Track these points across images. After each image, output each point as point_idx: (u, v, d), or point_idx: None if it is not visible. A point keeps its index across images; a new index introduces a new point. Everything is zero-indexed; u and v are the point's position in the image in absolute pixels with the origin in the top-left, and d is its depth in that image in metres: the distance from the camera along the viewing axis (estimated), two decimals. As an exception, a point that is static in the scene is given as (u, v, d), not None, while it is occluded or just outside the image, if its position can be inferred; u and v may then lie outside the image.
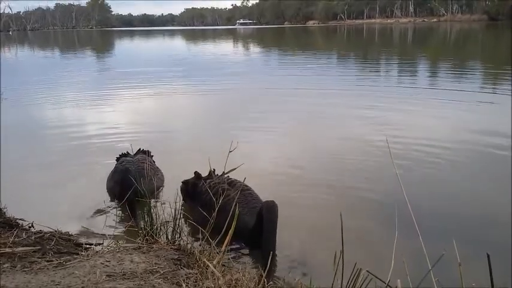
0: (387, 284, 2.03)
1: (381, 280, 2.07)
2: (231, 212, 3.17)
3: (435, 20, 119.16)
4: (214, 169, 4.73)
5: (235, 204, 3.20)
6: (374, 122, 8.76)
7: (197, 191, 4.56)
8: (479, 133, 7.64)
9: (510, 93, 11.56)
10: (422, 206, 4.55)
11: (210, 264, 2.56)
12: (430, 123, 8.68)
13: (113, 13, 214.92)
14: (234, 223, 2.98)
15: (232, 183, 4.40)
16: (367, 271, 2.06)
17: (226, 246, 2.87)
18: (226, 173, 4.72)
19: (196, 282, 2.46)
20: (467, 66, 19.42)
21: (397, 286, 2.03)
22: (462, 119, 9.05)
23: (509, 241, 3.94)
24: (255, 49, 40.14)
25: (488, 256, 1.86)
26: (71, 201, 5.02)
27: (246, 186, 4.45)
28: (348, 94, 12.17)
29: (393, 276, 2.10)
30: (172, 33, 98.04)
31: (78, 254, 2.99)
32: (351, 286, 1.99)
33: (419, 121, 8.87)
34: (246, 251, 3.88)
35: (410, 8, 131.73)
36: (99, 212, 4.50)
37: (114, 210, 4.53)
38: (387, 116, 9.28)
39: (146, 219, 3.43)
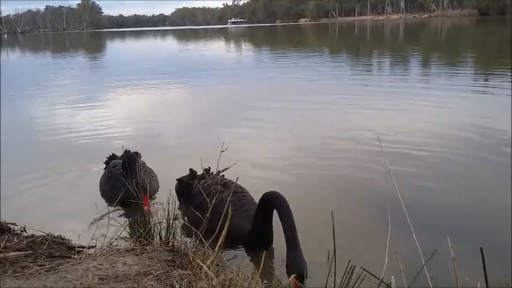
0: (381, 281, 2.02)
1: (375, 276, 2.07)
2: (223, 215, 3.14)
3: (426, 15, 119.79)
4: (209, 167, 4.71)
5: (228, 206, 3.17)
6: (366, 118, 8.77)
7: (191, 192, 4.49)
8: (473, 127, 7.67)
9: (502, 87, 11.66)
10: (415, 202, 4.55)
11: (203, 265, 2.55)
12: (423, 118, 8.69)
13: (103, 14, 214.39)
14: (227, 224, 2.97)
15: (226, 184, 4.33)
16: (361, 268, 2.05)
17: (219, 247, 2.86)
18: (220, 171, 4.73)
19: (190, 283, 2.45)
20: (459, 61, 19.50)
21: (391, 282, 2.02)
22: (455, 114, 9.08)
23: (504, 236, 3.97)
24: (246, 48, 40.12)
25: (481, 250, 1.86)
26: (63, 205, 4.98)
27: (241, 187, 4.42)
28: (341, 91, 12.16)
29: (387, 273, 2.10)
30: (163, 33, 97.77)
31: (70, 257, 2.96)
32: (345, 283, 1.98)
33: (412, 116, 8.88)
34: (240, 251, 3.86)
35: (401, 4, 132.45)
36: (93, 214, 4.46)
37: (107, 213, 4.49)
38: (379, 112, 9.29)
39: (140, 221, 3.40)
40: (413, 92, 11.87)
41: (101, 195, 5.16)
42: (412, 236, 2.31)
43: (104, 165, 5.67)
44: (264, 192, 3.62)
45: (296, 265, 2.91)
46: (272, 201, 3.46)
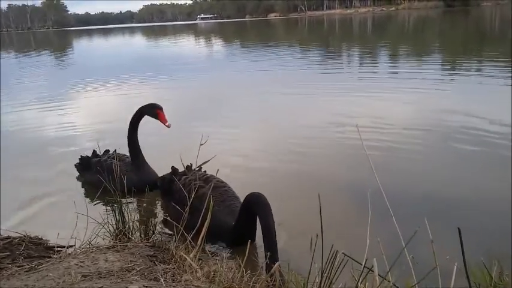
0: (364, 265, 2.07)
1: (357, 262, 2.11)
2: (203, 210, 3.13)
3: (393, 8, 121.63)
4: (191, 164, 4.71)
5: (210, 200, 3.15)
6: (340, 109, 8.88)
7: (173, 188, 4.44)
8: (444, 115, 7.87)
9: (470, 75, 12.01)
10: (394, 188, 4.65)
11: (187, 257, 2.55)
12: (398, 107, 8.88)
13: (69, 12, 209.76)
14: (208, 217, 2.97)
15: (207, 179, 4.31)
16: (343, 253, 2.09)
17: (202, 239, 2.86)
18: (199, 165, 4.73)
19: (174, 276, 2.44)
20: (426, 52, 19.91)
21: (373, 265, 2.07)
22: (428, 102, 9.29)
23: (481, 219, 4.11)
24: (216, 43, 39.96)
25: (459, 230, 1.93)
26: (39, 205, 4.88)
27: (222, 182, 4.42)
28: (312, 84, 12.26)
29: (369, 257, 2.15)
30: (132, 30, 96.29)
31: (50, 257, 2.92)
32: (328, 269, 2.02)
33: (386, 106, 9.05)
34: (223, 245, 3.87)
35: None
36: (71, 214, 4.39)
37: (85, 211, 4.42)
38: (353, 103, 9.42)
39: (118, 218, 3.37)
40: (384, 82, 12.11)
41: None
42: (392, 220, 2.38)
43: (77, 165, 5.66)
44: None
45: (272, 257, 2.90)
46: (255, 206, 3.42)
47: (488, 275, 2.20)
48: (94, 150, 5.63)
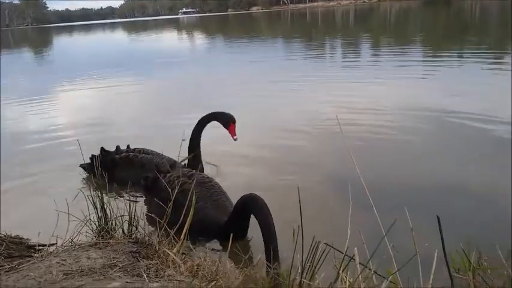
0: (345, 254, 2.08)
1: (338, 251, 2.13)
2: (186, 205, 3.12)
3: (375, 0, 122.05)
4: (175, 161, 4.70)
5: (192, 195, 3.14)
6: (323, 100, 8.93)
7: (157, 186, 4.33)
8: (427, 105, 7.95)
9: (452, 64, 12.16)
10: (375, 179, 4.68)
11: (170, 253, 2.55)
12: (380, 97, 8.93)
13: (49, 9, 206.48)
14: (191, 211, 2.96)
15: (192, 176, 4.28)
16: (325, 243, 2.10)
17: (185, 235, 2.85)
18: (182, 160, 4.72)
19: (157, 271, 2.44)
20: (407, 44, 20.07)
21: (355, 254, 2.09)
22: (409, 92, 9.39)
23: (460, 207, 4.17)
24: (199, 37, 39.74)
25: (438, 218, 1.96)
26: (22, 204, 4.82)
27: (208, 178, 4.40)
28: (295, 76, 12.29)
29: (351, 246, 2.17)
30: (112, 26, 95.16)
31: (31, 256, 2.88)
32: (310, 259, 2.03)
33: (368, 96, 9.10)
34: (205, 239, 3.87)
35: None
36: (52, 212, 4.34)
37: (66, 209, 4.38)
38: (336, 94, 9.48)
39: (100, 215, 3.34)
40: (365, 72, 12.21)
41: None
42: (373, 210, 2.40)
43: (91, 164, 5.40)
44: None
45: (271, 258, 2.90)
46: (253, 207, 3.40)
47: (467, 260, 2.24)
48: (117, 146, 5.55)
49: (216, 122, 5.36)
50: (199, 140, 5.39)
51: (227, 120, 5.21)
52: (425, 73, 11.46)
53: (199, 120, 5.36)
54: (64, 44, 46.56)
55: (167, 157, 5.33)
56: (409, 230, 2.31)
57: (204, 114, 5.38)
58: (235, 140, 5.19)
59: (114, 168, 5.17)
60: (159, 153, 5.36)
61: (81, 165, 5.40)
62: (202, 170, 5.35)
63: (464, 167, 5.18)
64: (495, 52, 14.76)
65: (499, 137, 5.99)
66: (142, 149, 5.43)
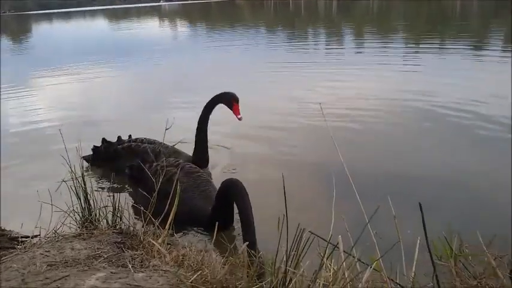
0: (329, 242, 2.11)
1: (322, 239, 2.15)
2: (171, 194, 3.11)
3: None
4: (160, 150, 4.67)
5: (177, 184, 3.12)
6: (306, 88, 8.96)
7: (143, 176, 4.18)
8: (409, 93, 8.04)
9: (433, 52, 12.30)
10: (358, 167, 4.72)
11: (155, 243, 2.54)
12: (363, 86, 9.00)
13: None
14: (176, 201, 2.96)
15: (178, 165, 4.24)
16: (310, 232, 2.12)
17: (170, 225, 2.85)
18: (175, 144, 4.69)
19: (142, 262, 2.43)
20: (391, 33, 20.19)
21: (339, 242, 2.12)
22: (392, 80, 9.47)
23: (442, 195, 4.24)
24: (181, 25, 39.35)
25: (420, 205, 1.99)
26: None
27: (195, 168, 4.38)
28: (278, 65, 12.28)
29: (335, 234, 2.19)
30: (93, 13, 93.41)
31: (14, 248, 2.85)
32: (295, 247, 2.05)
33: (350, 85, 9.15)
34: (191, 229, 3.87)
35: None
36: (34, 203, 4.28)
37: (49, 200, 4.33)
38: (319, 82, 9.51)
39: (84, 206, 3.31)
40: (349, 61, 12.27)
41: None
42: (356, 198, 2.43)
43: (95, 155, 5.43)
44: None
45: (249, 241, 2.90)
46: (232, 192, 3.42)
47: (449, 248, 2.29)
48: (119, 136, 5.47)
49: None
50: (207, 128, 5.24)
51: (229, 100, 5.09)
52: (408, 62, 11.57)
53: (204, 107, 5.21)
54: (44, 31, 45.58)
55: (170, 146, 5.28)
56: (392, 217, 2.35)
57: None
58: (239, 119, 5.05)
59: (117, 159, 5.18)
60: (161, 143, 5.28)
61: (84, 157, 5.34)
62: (208, 161, 5.25)
63: (447, 156, 5.26)
64: (476, 41, 14.98)
65: (482, 126, 6.08)
66: (145, 138, 5.38)
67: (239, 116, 5.06)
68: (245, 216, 3.19)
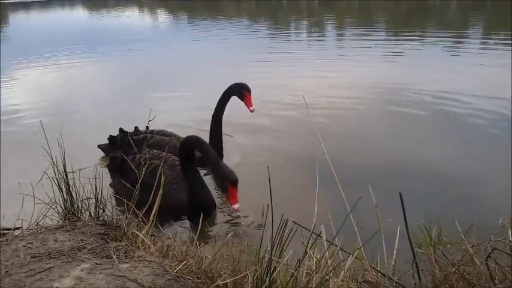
0: (312, 232, 2.14)
1: (306, 229, 2.19)
2: (155, 185, 3.10)
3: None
4: (144, 140, 4.67)
5: (161, 176, 3.12)
6: (287, 80, 8.98)
7: (126, 168, 4.19)
8: (390, 83, 8.13)
9: (413, 44, 12.43)
10: (341, 157, 4.78)
11: (139, 234, 2.55)
12: (344, 76, 9.06)
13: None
14: (159, 192, 2.95)
15: (162, 158, 4.21)
16: (293, 222, 2.16)
17: (154, 216, 2.85)
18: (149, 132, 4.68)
19: (127, 253, 2.43)
20: (371, 26, 20.31)
21: (321, 231, 2.16)
22: (373, 73, 9.53)
23: (421, 184, 4.33)
24: (162, 15, 38.90)
25: (400, 195, 2.04)
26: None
27: (178, 160, 4.36)
28: (260, 57, 12.26)
29: (318, 224, 2.24)
30: (72, 3, 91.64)
31: (-5, 240, 2.82)
32: (279, 237, 2.08)
33: (332, 77, 9.20)
34: (175, 221, 3.88)
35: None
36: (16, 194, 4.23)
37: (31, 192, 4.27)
38: (300, 72, 9.55)
39: (66, 198, 3.28)
40: (329, 51, 12.34)
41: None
42: (338, 188, 2.48)
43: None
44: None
45: (227, 175, 3.52)
46: (194, 145, 3.88)
47: (428, 236, 2.34)
48: (136, 127, 5.36)
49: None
50: (221, 119, 5.16)
51: (241, 92, 4.97)
52: (389, 52, 11.69)
53: (220, 98, 5.13)
54: (21, 21, 44.55)
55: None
56: (374, 207, 2.40)
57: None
58: (251, 111, 4.92)
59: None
60: (177, 135, 5.24)
61: (99, 146, 5.34)
62: (221, 151, 5.15)
63: (428, 146, 5.35)
64: (455, 33, 15.19)
65: (462, 115, 6.19)
66: (161, 130, 5.30)
67: (251, 108, 4.93)
68: (211, 157, 3.75)
